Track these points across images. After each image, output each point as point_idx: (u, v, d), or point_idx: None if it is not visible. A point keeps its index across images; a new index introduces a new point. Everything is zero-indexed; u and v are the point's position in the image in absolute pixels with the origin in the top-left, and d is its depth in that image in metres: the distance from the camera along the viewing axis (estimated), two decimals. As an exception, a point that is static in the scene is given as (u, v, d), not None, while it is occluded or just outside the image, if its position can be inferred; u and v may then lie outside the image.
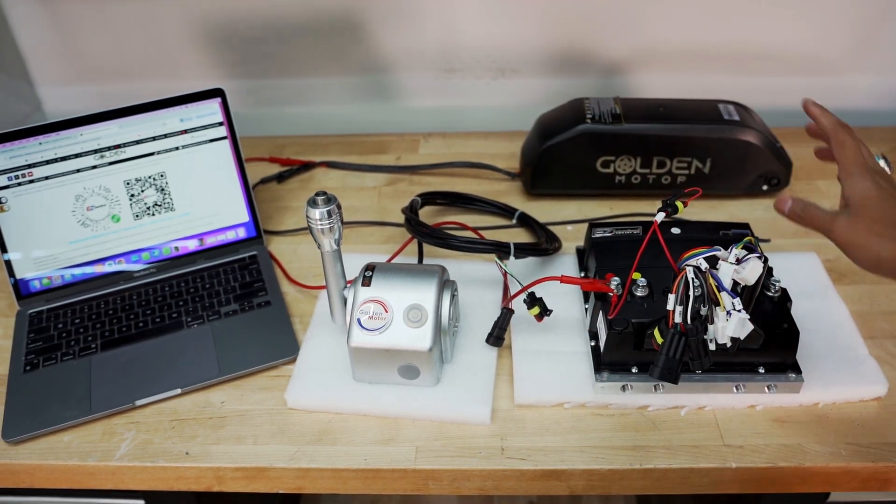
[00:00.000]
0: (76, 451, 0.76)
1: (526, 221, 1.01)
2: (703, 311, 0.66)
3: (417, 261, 0.94)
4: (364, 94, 1.29)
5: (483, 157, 1.17)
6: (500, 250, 0.87)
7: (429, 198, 1.03)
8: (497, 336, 0.82)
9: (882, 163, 0.70)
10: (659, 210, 0.75)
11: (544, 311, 0.79)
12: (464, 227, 0.99)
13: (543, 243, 0.94)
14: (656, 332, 0.69)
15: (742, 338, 0.67)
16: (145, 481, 0.76)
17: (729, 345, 0.68)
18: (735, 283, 0.69)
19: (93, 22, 1.21)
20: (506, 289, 0.87)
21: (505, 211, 1.03)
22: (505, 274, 0.87)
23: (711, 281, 0.66)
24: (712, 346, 0.68)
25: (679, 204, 0.74)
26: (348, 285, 0.79)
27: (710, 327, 0.68)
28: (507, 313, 0.82)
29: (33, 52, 1.25)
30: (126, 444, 0.77)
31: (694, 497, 1.08)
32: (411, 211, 0.96)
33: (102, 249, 0.94)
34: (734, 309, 0.65)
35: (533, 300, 0.79)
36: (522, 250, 0.88)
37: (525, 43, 1.21)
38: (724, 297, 0.66)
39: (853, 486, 0.74)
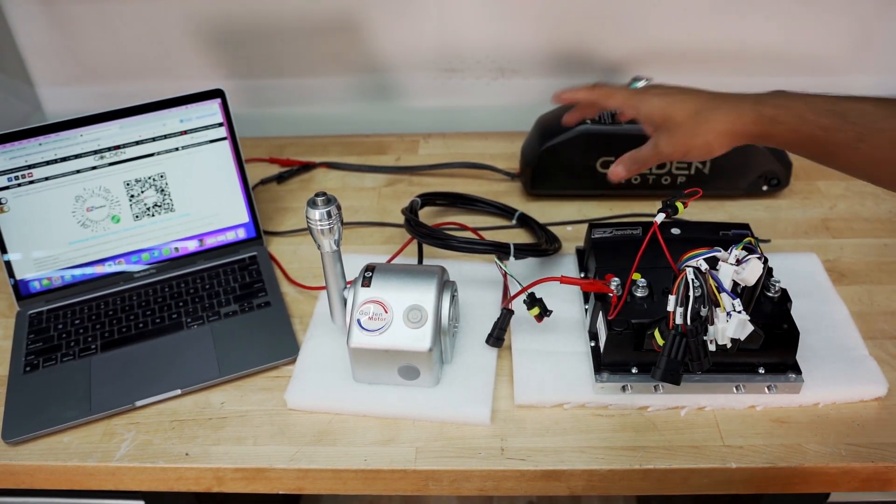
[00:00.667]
0: (76, 452, 0.76)
1: (525, 222, 1.01)
2: (704, 312, 0.66)
3: (417, 261, 0.94)
4: (364, 95, 1.29)
5: (483, 157, 1.17)
6: (500, 251, 0.87)
7: (428, 198, 1.03)
8: (497, 337, 0.82)
9: (641, 83, 0.78)
10: (659, 211, 0.75)
11: (544, 312, 0.79)
12: (463, 228, 0.99)
13: (543, 244, 0.94)
14: (657, 334, 0.69)
15: (742, 339, 0.67)
16: (145, 482, 0.76)
17: (729, 346, 0.68)
18: (735, 284, 0.69)
19: (93, 22, 1.21)
20: (506, 289, 0.87)
21: (504, 211, 1.03)
22: (505, 274, 0.87)
23: (711, 282, 0.66)
24: (712, 347, 0.68)
25: (679, 205, 0.74)
26: (348, 286, 0.79)
27: (711, 328, 0.68)
28: (506, 314, 0.82)
29: (33, 53, 1.25)
30: (126, 445, 0.77)
31: (694, 497, 1.08)
32: (411, 212, 0.96)
33: (102, 250, 0.94)
34: (734, 310, 0.65)
35: (533, 301, 0.79)
36: (522, 251, 0.88)
37: (525, 43, 1.21)
38: (724, 298, 0.66)
39: (853, 487, 0.74)
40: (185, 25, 1.20)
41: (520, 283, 0.80)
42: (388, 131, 1.28)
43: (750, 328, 0.66)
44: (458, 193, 1.06)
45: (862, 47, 1.18)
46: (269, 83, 1.27)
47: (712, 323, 0.67)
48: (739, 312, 0.65)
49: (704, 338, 0.67)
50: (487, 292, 0.89)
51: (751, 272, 0.67)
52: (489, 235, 0.97)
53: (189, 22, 1.20)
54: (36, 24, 1.21)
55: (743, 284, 0.68)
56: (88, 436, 0.78)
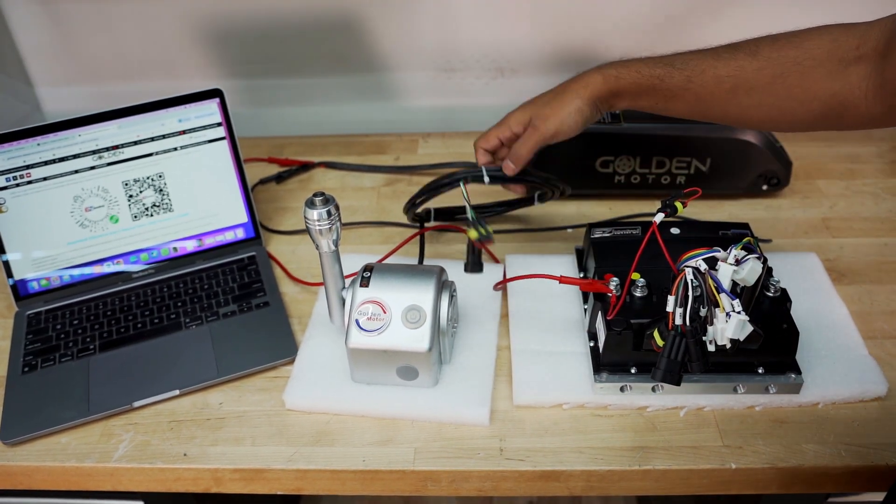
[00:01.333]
0: (74, 453, 0.76)
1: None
2: (703, 312, 0.66)
3: (418, 261, 0.94)
4: (363, 94, 1.28)
5: (482, 157, 1.16)
6: (473, 174, 0.89)
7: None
8: (474, 263, 0.87)
9: None
10: (658, 210, 0.74)
11: (484, 237, 0.86)
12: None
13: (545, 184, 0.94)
14: (656, 334, 0.69)
15: (742, 339, 0.67)
16: (143, 483, 0.76)
17: (728, 346, 0.68)
18: (735, 284, 0.69)
19: (92, 22, 1.20)
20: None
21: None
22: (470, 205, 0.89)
23: (711, 282, 0.66)
24: (711, 348, 0.68)
25: (678, 204, 0.74)
26: (347, 286, 0.79)
27: (710, 328, 0.67)
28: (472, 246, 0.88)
29: (32, 53, 1.25)
30: (124, 446, 0.76)
31: (694, 497, 1.08)
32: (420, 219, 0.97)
33: (101, 250, 0.94)
34: (733, 310, 0.65)
35: (477, 223, 0.86)
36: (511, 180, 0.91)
37: (524, 42, 1.21)
38: (724, 299, 0.66)
39: (853, 487, 0.73)
40: (183, 25, 1.20)
41: (470, 205, 0.87)
42: (388, 131, 1.28)
43: (749, 329, 0.66)
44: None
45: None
46: (268, 83, 1.27)
47: (711, 323, 0.67)
48: (738, 313, 0.65)
49: (703, 338, 0.67)
50: (487, 292, 0.89)
51: (750, 272, 0.67)
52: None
53: (187, 21, 1.20)
54: (35, 24, 1.21)
55: (742, 284, 0.68)
56: (86, 436, 0.78)
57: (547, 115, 0.79)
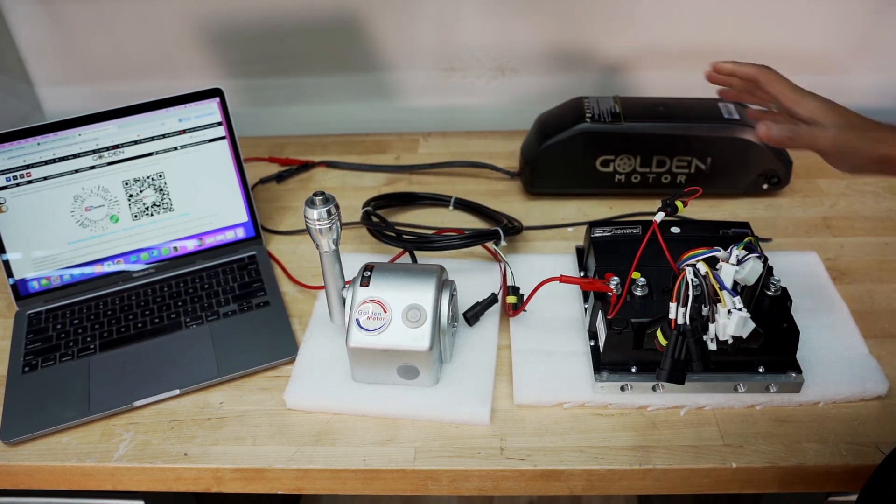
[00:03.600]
0: (75, 452, 0.76)
1: (467, 207, 1.05)
2: (705, 311, 0.66)
3: (411, 261, 0.94)
4: (363, 94, 1.28)
5: (482, 156, 1.17)
6: (492, 237, 0.92)
7: (377, 204, 1.05)
8: (474, 315, 0.85)
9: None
10: (658, 210, 0.74)
11: (517, 305, 0.84)
12: (437, 229, 0.99)
13: (507, 223, 0.99)
14: (659, 334, 0.69)
15: (744, 336, 0.67)
16: (144, 482, 0.76)
17: (730, 342, 0.68)
18: (735, 283, 0.69)
19: (92, 22, 1.20)
20: (504, 276, 0.90)
21: (442, 200, 1.06)
22: (499, 257, 0.90)
23: (713, 280, 0.66)
24: (713, 346, 0.68)
25: (679, 203, 0.74)
26: (347, 285, 0.79)
27: (711, 326, 0.67)
28: (491, 298, 0.86)
29: (32, 52, 1.25)
30: (125, 445, 0.76)
31: (694, 497, 1.08)
32: (373, 221, 0.97)
33: (101, 250, 0.94)
34: (735, 308, 0.65)
35: (514, 291, 0.84)
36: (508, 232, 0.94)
37: (525, 42, 1.21)
38: (725, 296, 0.66)
39: (854, 486, 0.73)
40: (183, 24, 1.20)
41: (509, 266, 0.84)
42: (388, 130, 1.28)
43: (752, 325, 0.66)
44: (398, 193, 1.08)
45: (862, 47, 1.18)
46: (268, 82, 1.27)
47: (713, 321, 0.67)
48: (740, 310, 0.65)
49: (704, 337, 0.67)
50: (487, 292, 0.89)
51: (751, 272, 0.67)
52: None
53: (188, 21, 1.20)
54: (35, 24, 1.21)
55: (742, 284, 0.68)
56: (87, 436, 0.78)
57: (858, 134, 0.65)
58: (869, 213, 1.03)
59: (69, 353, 0.86)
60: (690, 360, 0.66)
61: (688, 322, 0.65)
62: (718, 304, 0.66)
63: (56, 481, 0.77)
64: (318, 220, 0.71)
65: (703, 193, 0.76)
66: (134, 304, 0.92)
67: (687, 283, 0.65)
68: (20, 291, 0.92)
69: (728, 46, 1.18)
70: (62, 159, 0.91)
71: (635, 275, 0.76)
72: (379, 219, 0.99)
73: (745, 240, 0.69)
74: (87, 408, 0.79)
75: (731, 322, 0.65)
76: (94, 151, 0.92)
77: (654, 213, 0.74)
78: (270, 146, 1.24)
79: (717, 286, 0.66)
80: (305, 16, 1.19)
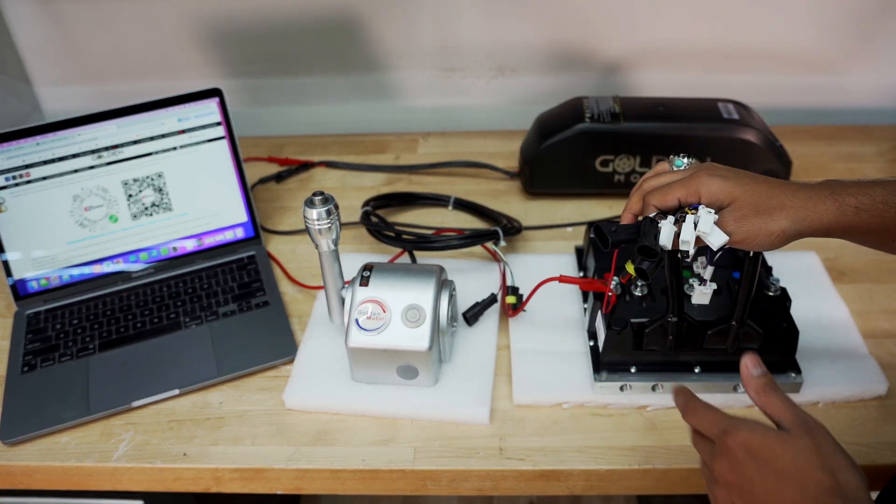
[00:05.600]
0: (74, 452, 0.76)
1: (467, 207, 1.05)
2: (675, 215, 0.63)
3: (411, 261, 0.94)
4: (363, 94, 1.28)
5: (482, 156, 1.17)
6: (491, 237, 0.92)
7: (379, 203, 1.05)
8: (473, 315, 0.85)
9: (685, 160, 0.69)
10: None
11: (517, 305, 0.84)
12: (436, 229, 0.99)
13: (506, 222, 0.98)
14: (629, 266, 0.66)
15: (714, 244, 0.62)
16: (143, 482, 0.76)
17: (692, 246, 0.63)
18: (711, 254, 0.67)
19: (91, 21, 1.20)
20: (503, 276, 0.90)
21: (441, 200, 1.06)
22: (498, 257, 0.90)
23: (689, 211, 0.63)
24: (665, 234, 0.62)
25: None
26: (346, 285, 0.79)
27: (665, 223, 0.63)
28: (490, 298, 0.86)
29: (32, 52, 1.25)
30: (124, 445, 0.76)
31: (694, 497, 1.08)
32: (373, 222, 0.97)
33: (100, 250, 0.94)
34: (705, 212, 0.62)
35: (514, 292, 0.85)
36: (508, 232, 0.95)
37: (524, 41, 1.21)
38: (699, 210, 0.62)
39: (853, 486, 0.73)
40: (183, 24, 1.20)
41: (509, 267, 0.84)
42: (387, 130, 1.28)
43: (720, 234, 0.61)
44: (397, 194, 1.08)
45: (862, 46, 1.18)
46: (268, 82, 1.27)
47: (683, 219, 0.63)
48: (710, 213, 0.61)
49: (660, 223, 0.63)
50: (486, 291, 0.89)
51: (703, 222, 0.62)
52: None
53: (187, 21, 1.20)
54: (34, 23, 1.21)
55: (704, 241, 0.64)
56: (86, 436, 0.78)
57: (743, 222, 0.62)
58: (868, 213, 1.03)
59: (68, 353, 0.86)
60: (642, 237, 0.62)
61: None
62: (687, 214, 0.62)
63: (55, 481, 0.77)
64: (318, 220, 0.71)
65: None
66: (133, 304, 0.92)
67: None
68: (19, 291, 0.92)
69: (728, 46, 1.19)
70: (61, 159, 0.91)
71: (629, 267, 0.75)
72: (378, 219, 0.99)
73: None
74: (86, 408, 0.79)
75: (700, 218, 0.61)
76: (93, 151, 0.92)
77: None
78: (270, 146, 1.24)
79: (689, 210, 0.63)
80: (305, 16, 1.19)
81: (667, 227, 0.62)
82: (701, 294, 0.75)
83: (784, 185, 0.62)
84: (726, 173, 0.63)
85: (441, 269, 0.80)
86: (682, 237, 0.62)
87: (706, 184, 0.62)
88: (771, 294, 0.76)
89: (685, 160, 0.69)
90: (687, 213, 0.62)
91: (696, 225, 0.61)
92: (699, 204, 0.63)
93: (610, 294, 0.75)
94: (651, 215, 0.64)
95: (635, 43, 1.19)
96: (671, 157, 0.70)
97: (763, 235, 0.61)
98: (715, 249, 0.62)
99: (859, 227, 0.60)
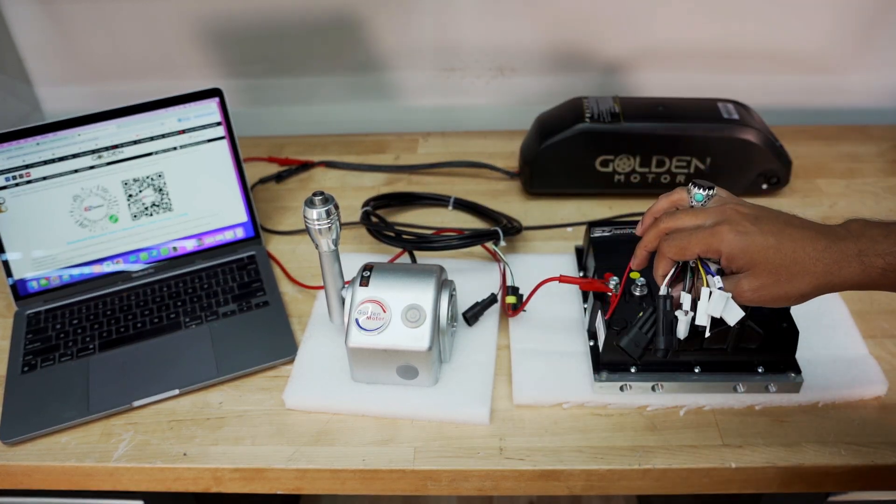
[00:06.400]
0: (74, 452, 0.76)
1: (467, 207, 1.05)
2: (688, 282, 0.64)
3: (411, 261, 0.94)
4: (363, 94, 1.28)
5: (482, 156, 1.17)
6: (491, 237, 0.92)
7: (379, 203, 1.05)
8: (473, 315, 0.85)
9: (703, 192, 0.66)
10: None
11: (517, 305, 0.84)
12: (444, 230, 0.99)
13: (506, 222, 0.99)
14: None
15: (730, 322, 0.62)
16: (143, 482, 0.76)
17: (708, 327, 0.64)
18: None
19: (91, 21, 1.20)
20: (503, 276, 0.90)
21: (441, 200, 1.06)
22: (499, 258, 0.90)
23: (700, 267, 0.64)
24: (686, 319, 0.64)
25: None
26: (346, 285, 0.79)
27: (686, 297, 0.65)
28: (491, 298, 0.86)
29: (32, 52, 1.25)
30: (124, 445, 0.76)
31: (694, 497, 1.08)
32: (373, 221, 0.97)
33: (100, 250, 0.94)
34: (716, 287, 0.62)
35: (514, 292, 0.85)
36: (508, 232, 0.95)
37: (524, 41, 1.21)
38: (710, 280, 0.63)
39: (853, 486, 0.73)
40: (183, 24, 1.20)
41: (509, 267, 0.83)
42: (387, 130, 1.28)
43: (738, 311, 0.61)
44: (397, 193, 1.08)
45: (862, 46, 1.18)
46: (268, 82, 1.27)
47: (699, 297, 0.63)
48: (720, 289, 0.61)
49: (678, 314, 0.65)
50: (486, 292, 0.89)
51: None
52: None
53: (187, 21, 1.20)
54: (34, 23, 1.21)
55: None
56: (86, 436, 0.78)
57: (760, 288, 0.61)
58: (869, 214, 1.03)
59: (68, 353, 0.86)
60: (654, 333, 0.64)
61: (665, 288, 0.64)
62: (700, 283, 0.63)
63: (55, 481, 0.77)
64: (318, 220, 0.71)
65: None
66: (133, 304, 0.92)
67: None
68: (19, 291, 0.92)
69: (728, 46, 1.19)
70: (61, 159, 0.91)
71: (634, 274, 0.76)
72: (378, 219, 0.99)
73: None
74: (86, 408, 0.79)
75: (712, 301, 0.61)
76: (93, 151, 0.92)
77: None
78: (270, 146, 1.24)
79: (701, 268, 0.63)
80: (305, 16, 1.19)
81: (684, 322, 0.64)
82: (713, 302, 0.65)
83: (809, 245, 0.59)
84: (749, 228, 0.61)
85: (441, 269, 0.80)
86: (697, 321, 0.63)
87: (727, 243, 0.60)
88: (771, 294, 0.76)
89: (705, 193, 0.66)
90: (701, 278, 0.62)
91: (710, 296, 0.61)
92: (717, 262, 0.62)
93: (609, 294, 0.75)
94: (663, 292, 0.64)
95: (635, 43, 1.19)
96: (690, 186, 0.67)
97: (781, 301, 0.61)
98: (731, 325, 0.62)
99: (884, 286, 0.59)
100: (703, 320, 0.63)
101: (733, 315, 0.61)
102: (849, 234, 0.60)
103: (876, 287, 0.59)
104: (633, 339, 0.66)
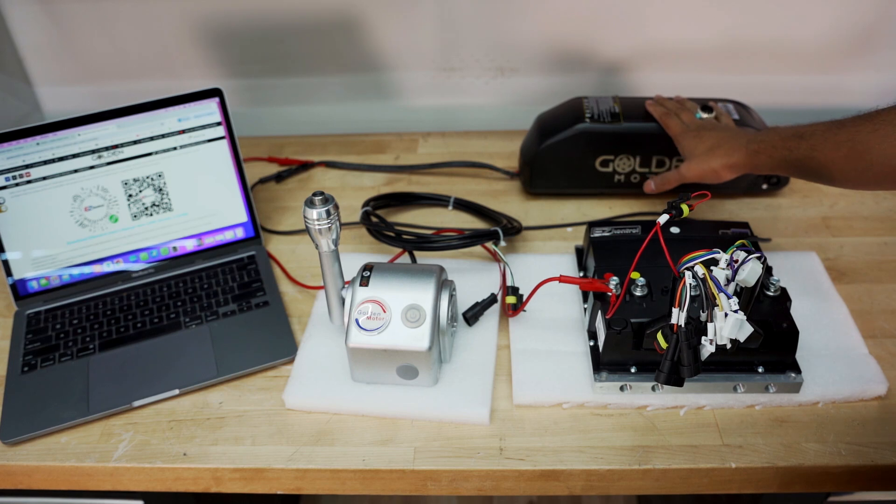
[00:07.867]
0: (74, 452, 0.76)
1: (467, 207, 1.05)
2: (703, 315, 0.66)
3: (411, 261, 0.94)
4: (363, 94, 1.28)
5: (482, 156, 1.17)
6: (491, 238, 0.92)
7: (379, 203, 1.05)
8: (473, 315, 0.85)
9: (703, 115, 0.96)
10: (664, 212, 0.74)
11: (517, 305, 0.84)
12: (437, 229, 0.99)
13: (507, 223, 0.99)
14: (660, 337, 0.68)
15: (741, 340, 0.66)
16: (143, 482, 0.76)
17: (728, 346, 0.68)
18: (735, 285, 0.68)
19: (91, 22, 1.20)
20: (503, 276, 0.90)
21: (441, 200, 1.06)
22: (499, 258, 0.90)
23: (711, 284, 0.66)
24: (711, 348, 0.67)
25: (685, 207, 0.73)
26: (346, 285, 0.79)
27: (710, 326, 0.67)
28: (491, 298, 0.86)
29: (32, 52, 1.25)
30: (124, 445, 0.76)
31: (694, 497, 1.08)
32: (373, 222, 0.97)
33: (100, 250, 0.94)
34: (731, 310, 0.65)
35: (514, 292, 0.85)
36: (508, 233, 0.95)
37: (524, 41, 1.21)
38: (723, 299, 0.65)
39: (853, 486, 0.73)
40: (183, 24, 1.20)
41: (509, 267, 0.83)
42: (387, 130, 1.28)
43: (749, 329, 0.65)
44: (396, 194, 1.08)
45: (862, 46, 1.18)
46: (268, 82, 1.27)
47: (711, 321, 0.67)
48: (736, 312, 0.65)
49: (704, 338, 0.67)
50: (486, 292, 0.89)
51: (751, 273, 0.66)
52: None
53: (187, 21, 1.20)
54: (34, 24, 1.21)
55: (742, 285, 0.68)
56: (86, 436, 0.78)
57: (692, 167, 0.88)
58: (868, 214, 1.03)
59: (68, 353, 0.86)
60: (682, 364, 0.66)
61: (682, 324, 0.65)
62: (716, 308, 0.66)
63: (55, 481, 0.77)
64: (318, 220, 0.71)
65: (702, 193, 0.76)
66: (133, 304, 0.92)
67: (687, 286, 0.65)
68: (19, 291, 0.92)
69: (728, 46, 1.18)
70: (61, 159, 0.91)
71: (634, 275, 0.76)
72: (378, 219, 0.99)
73: (737, 242, 0.68)
74: (86, 408, 0.79)
75: (727, 324, 0.65)
76: (93, 151, 0.92)
77: (652, 213, 0.74)
78: (270, 146, 1.24)
79: (714, 289, 0.65)
80: (305, 16, 1.19)
81: (709, 350, 0.67)
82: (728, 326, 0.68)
83: (725, 139, 0.87)
84: (700, 134, 0.90)
85: (441, 269, 0.80)
86: (717, 343, 0.66)
87: (686, 140, 0.92)
88: (771, 294, 0.76)
89: (704, 115, 0.96)
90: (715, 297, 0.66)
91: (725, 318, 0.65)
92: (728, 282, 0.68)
93: (610, 294, 0.75)
94: (682, 322, 0.66)
95: (635, 43, 1.19)
96: (699, 108, 0.97)
97: (709, 174, 0.87)
98: (742, 341, 0.66)
99: (762, 165, 0.81)
100: (723, 341, 0.66)
101: (745, 332, 0.65)
102: (752, 132, 0.85)
103: (759, 166, 0.82)
104: (668, 375, 0.67)
